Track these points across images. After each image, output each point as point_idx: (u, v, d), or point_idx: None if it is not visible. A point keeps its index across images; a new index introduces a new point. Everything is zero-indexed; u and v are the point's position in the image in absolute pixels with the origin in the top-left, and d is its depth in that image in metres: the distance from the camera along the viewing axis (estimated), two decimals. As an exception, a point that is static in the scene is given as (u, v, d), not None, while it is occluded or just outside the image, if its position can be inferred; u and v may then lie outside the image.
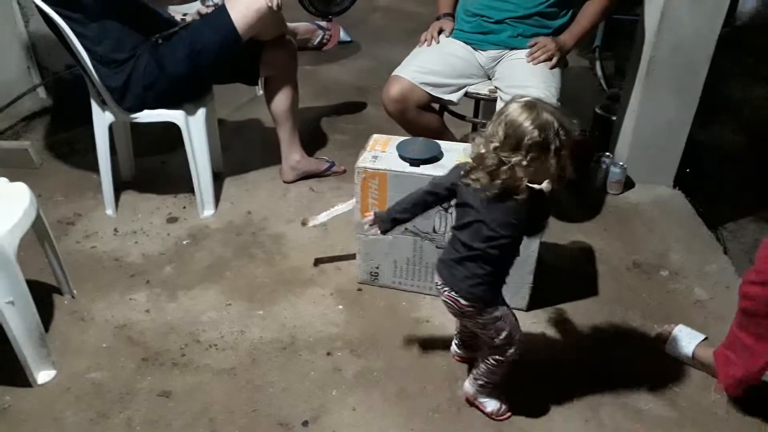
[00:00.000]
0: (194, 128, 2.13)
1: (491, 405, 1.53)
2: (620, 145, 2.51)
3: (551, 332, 1.80)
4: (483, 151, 1.26)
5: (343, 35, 3.70)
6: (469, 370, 1.58)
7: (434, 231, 1.81)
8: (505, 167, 1.23)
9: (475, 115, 2.48)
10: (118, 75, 1.96)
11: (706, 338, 1.70)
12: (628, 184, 2.45)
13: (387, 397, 1.59)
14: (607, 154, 2.47)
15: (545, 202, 1.31)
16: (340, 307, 1.88)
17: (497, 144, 1.23)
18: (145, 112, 2.06)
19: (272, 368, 1.67)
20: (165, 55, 1.97)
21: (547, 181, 1.27)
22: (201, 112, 2.13)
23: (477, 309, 1.38)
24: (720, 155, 2.78)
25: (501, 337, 1.40)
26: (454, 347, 1.69)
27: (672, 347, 1.71)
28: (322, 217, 2.02)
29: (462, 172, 1.34)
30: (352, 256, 1.97)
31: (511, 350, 1.43)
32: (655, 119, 2.36)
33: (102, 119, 2.11)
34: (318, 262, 2.04)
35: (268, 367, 1.67)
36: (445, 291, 1.40)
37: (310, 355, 1.71)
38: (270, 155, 2.54)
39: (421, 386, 1.62)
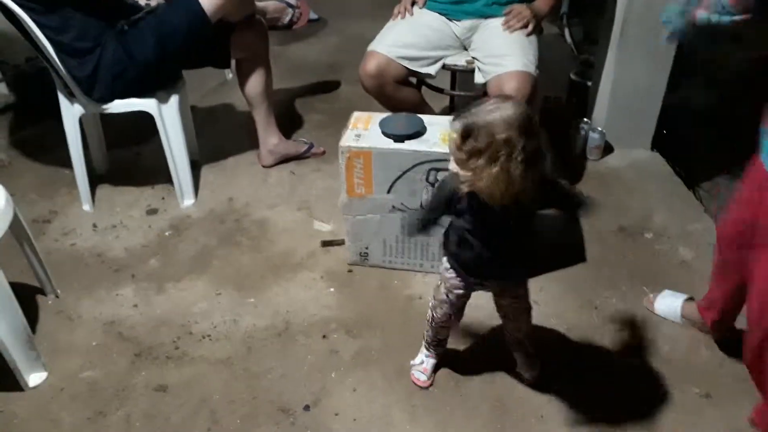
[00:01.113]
0: (168, 116, 2.07)
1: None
2: (597, 111, 2.52)
3: (544, 300, 1.81)
4: None
5: (311, 12, 3.63)
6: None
7: (422, 207, 1.80)
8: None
9: (452, 88, 2.46)
10: (84, 65, 1.89)
11: (690, 297, 1.74)
12: (607, 149, 2.47)
13: (386, 376, 1.59)
14: (585, 120, 2.48)
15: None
16: (332, 289, 1.87)
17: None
18: (116, 102, 1.99)
19: (268, 355, 1.65)
20: (132, 42, 1.91)
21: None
22: (174, 99, 2.07)
23: None
24: (694, 115, 2.81)
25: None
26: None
27: (660, 308, 1.75)
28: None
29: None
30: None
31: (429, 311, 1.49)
32: (630, 83, 2.37)
33: (71, 112, 2.03)
34: (325, 244, 2.01)
35: (264, 354, 1.66)
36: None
37: (305, 340, 1.70)
38: (246, 140, 2.49)
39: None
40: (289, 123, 2.69)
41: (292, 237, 2.07)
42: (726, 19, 1.22)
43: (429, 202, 1.37)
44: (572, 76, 2.73)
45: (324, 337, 1.71)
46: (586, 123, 2.46)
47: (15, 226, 1.63)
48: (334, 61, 3.29)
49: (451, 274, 1.39)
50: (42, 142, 2.58)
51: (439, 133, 1.76)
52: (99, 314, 1.78)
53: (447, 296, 1.43)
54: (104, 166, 2.40)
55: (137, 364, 1.63)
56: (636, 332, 1.72)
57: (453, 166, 1.21)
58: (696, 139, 2.70)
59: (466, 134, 1.13)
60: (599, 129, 2.42)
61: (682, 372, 1.60)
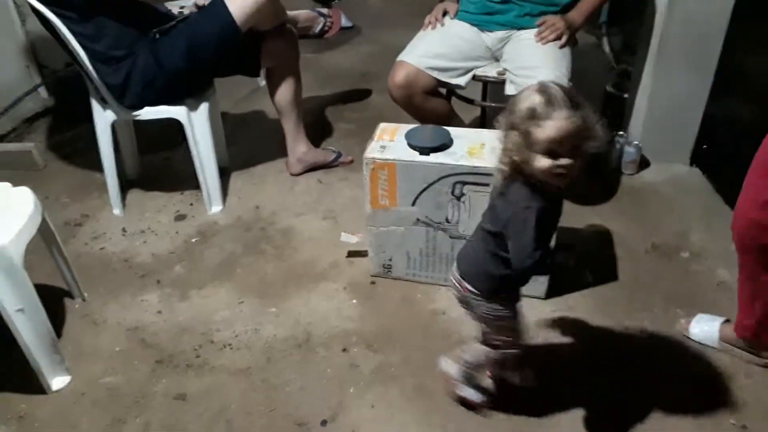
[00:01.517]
0: (197, 124, 2.08)
1: (466, 392, 1.48)
2: (634, 124, 2.45)
3: (571, 320, 1.75)
4: None
5: (343, 21, 3.62)
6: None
7: (447, 221, 1.76)
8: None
9: (484, 99, 2.42)
10: (117, 72, 1.92)
11: (728, 320, 1.65)
12: (643, 163, 2.39)
13: (405, 393, 1.56)
14: (621, 133, 2.41)
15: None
16: (354, 301, 1.85)
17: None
18: (147, 109, 2.02)
19: (288, 366, 1.64)
20: (163, 51, 1.93)
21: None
22: (203, 107, 2.09)
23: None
24: (737, 129, 2.70)
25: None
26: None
27: (696, 332, 1.67)
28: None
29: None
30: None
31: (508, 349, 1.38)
32: (668, 95, 2.30)
33: (103, 118, 2.07)
34: (351, 255, 1.99)
35: (283, 365, 1.64)
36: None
37: (326, 352, 1.68)
38: (276, 147, 2.50)
39: (440, 380, 1.58)
40: (318, 131, 2.69)
41: (316, 246, 2.06)
42: None
43: (534, 238, 1.17)
44: (608, 88, 2.66)
45: (344, 350, 1.68)
46: (622, 136, 2.39)
47: (44, 229, 1.66)
48: (367, 70, 3.29)
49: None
50: (77, 146, 2.64)
51: (466, 146, 1.73)
52: (123, 319, 1.80)
53: None
54: (136, 171, 2.44)
55: (158, 371, 1.64)
56: (669, 356, 1.64)
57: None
58: (739, 153, 2.59)
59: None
60: (635, 143, 2.34)
61: (718, 401, 1.52)
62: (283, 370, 1.63)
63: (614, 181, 2.35)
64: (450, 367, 1.49)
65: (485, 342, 1.41)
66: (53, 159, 2.59)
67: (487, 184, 1.67)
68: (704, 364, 1.61)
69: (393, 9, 4.04)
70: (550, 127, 1.08)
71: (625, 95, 2.54)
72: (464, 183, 1.69)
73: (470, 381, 1.49)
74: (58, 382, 1.60)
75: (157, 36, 1.94)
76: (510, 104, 1.15)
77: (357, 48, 3.58)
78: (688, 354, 1.64)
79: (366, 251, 1.92)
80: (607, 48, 3.34)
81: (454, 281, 1.36)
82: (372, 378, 1.60)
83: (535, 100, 1.09)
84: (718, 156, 2.45)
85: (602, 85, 2.71)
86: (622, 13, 3.36)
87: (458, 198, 1.72)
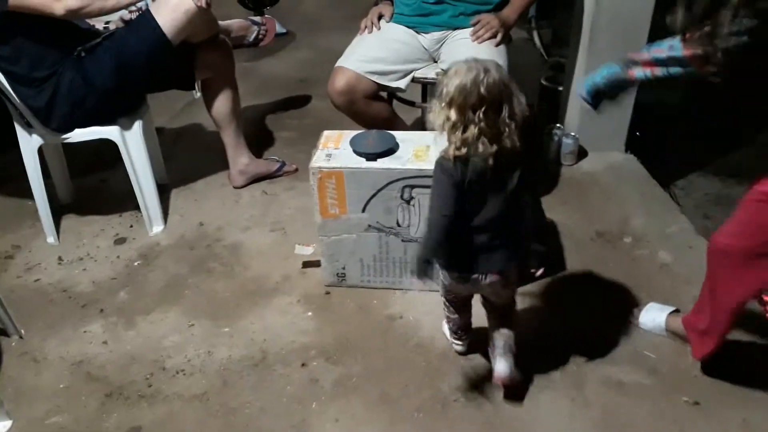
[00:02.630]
0: (132, 143, 2.00)
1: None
2: (570, 115, 2.51)
3: (524, 312, 1.77)
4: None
5: (277, 27, 3.57)
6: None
7: (398, 225, 1.75)
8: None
9: (424, 100, 2.43)
10: (40, 94, 1.82)
11: (677, 309, 1.71)
12: (581, 153, 2.46)
13: (369, 403, 1.54)
14: (558, 125, 2.46)
15: None
16: (310, 313, 1.81)
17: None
18: (77, 131, 1.93)
19: (246, 388, 1.59)
20: (91, 69, 1.84)
21: None
22: (137, 125, 2.01)
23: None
24: (667, 115, 2.81)
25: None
26: (458, 345, 1.62)
27: (645, 321, 1.71)
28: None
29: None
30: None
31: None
32: (601, 86, 2.36)
33: (29, 142, 1.96)
34: (306, 265, 1.95)
35: (241, 387, 1.59)
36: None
37: (284, 369, 1.64)
38: (216, 161, 2.43)
39: (403, 386, 1.58)
40: (259, 141, 2.63)
41: (266, 260, 2.02)
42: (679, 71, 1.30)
43: (435, 201, 1.29)
44: (543, 82, 2.71)
45: (303, 365, 1.65)
46: (559, 128, 2.44)
47: (-28, 267, 1.56)
48: (304, 76, 3.25)
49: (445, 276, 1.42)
50: (5, 173, 2.49)
51: (411, 149, 1.73)
52: (66, 353, 1.71)
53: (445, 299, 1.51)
54: (69, 195, 2.32)
55: (108, 405, 1.56)
56: (622, 340, 1.69)
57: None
58: (669, 138, 2.70)
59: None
60: (572, 134, 2.40)
61: (670, 381, 1.57)
62: (241, 392, 1.58)
63: (554, 172, 2.40)
64: (507, 369, 1.48)
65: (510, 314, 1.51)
66: (-24, 189, 2.44)
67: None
68: (653, 347, 1.66)
69: (326, 13, 4.01)
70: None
71: (560, 88, 2.60)
72: (413, 186, 1.69)
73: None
74: (-1, 428, 1.50)
75: (83, 54, 1.85)
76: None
77: (293, 54, 3.54)
78: (641, 337, 1.69)
79: (319, 261, 1.89)
80: (537, 41, 3.41)
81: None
82: (334, 391, 1.57)
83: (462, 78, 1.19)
84: (651, 142, 2.55)
85: (537, 79, 2.77)
86: (550, 6, 3.45)
87: (408, 201, 1.72)
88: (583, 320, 1.76)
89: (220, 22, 2.21)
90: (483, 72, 1.19)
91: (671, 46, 1.29)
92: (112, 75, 1.85)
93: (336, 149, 1.75)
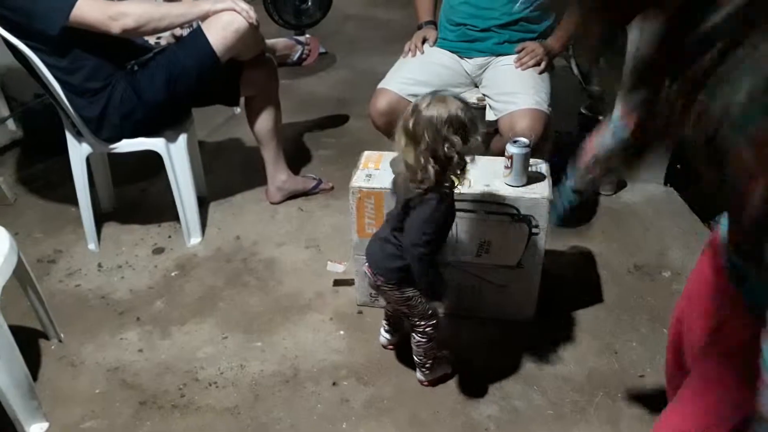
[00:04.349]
0: (176, 155, 2.05)
1: (442, 371, 1.64)
2: (609, 145, 2.48)
3: (562, 344, 1.75)
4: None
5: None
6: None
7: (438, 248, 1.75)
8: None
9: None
10: (93, 105, 1.88)
11: None
12: (620, 183, 2.43)
13: (399, 426, 1.53)
14: (598, 155, 2.44)
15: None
16: (341, 332, 1.82)
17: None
18: (125, 141, 1.97)
19: (277, 403, 1.60)
20: (142, 82, 1.89)
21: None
22: (182, 138, 2.05)
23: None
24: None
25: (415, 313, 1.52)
26: (383, 337, 1.73)
27: None
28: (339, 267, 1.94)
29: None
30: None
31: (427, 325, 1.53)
32: (643, 117, 2.34)
33: (78, 151, 2.01)
34: (337, 283, 1.96)
35: (272, 402, 1.60)
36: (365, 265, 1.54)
37: (315, 387, 1.64)
38: (254, 176, 2.46)
39: (434, 411, 1.57)
40: (297, 158, 2.66)
41: (300, 277, 2.03)
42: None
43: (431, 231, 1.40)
44: (582, 110, 2.70)
45: (334, 384, 1.65)
46: (599, 158, 2.42)
47: (19, 269, 1.59)
48: (343, 96, 3.29)
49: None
50: (48, 179, 2.57)
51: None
52: (102, 359, 1.73)
53: None
54: (111, 203, 2.38)
55: (141, 413, 1.58)
56: (657, 378, 1.65)
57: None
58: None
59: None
60: (612, 164, 2.38)
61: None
62: (272, 408, 1.58)
63: (593, 202, 2.38)
64: (420, 376, 1.62)
65: (412, 330, 1.57)
66: (24, 193, 2.52)
67: (474, 211, 1.68)
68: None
69: (366, 35, 4.07)
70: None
71: (600, 117, 2.59)
72: (450, 210, 1.69)
73: (439, 368, 1.63)
74: (35, 429, 1.53)
75: (135, 68, 1.90)
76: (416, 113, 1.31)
77: (332, 74, 3.59)
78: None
79: (352, 279, 1.90)
80: (575, 70, 3.40)
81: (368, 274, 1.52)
82: (364, 412, 1.57)
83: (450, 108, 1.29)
84: (691, 176, 2.51)
85: (577, 107, 2.76)
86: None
87: (445, 224, 1.71)
88: (618, 353, 1.72)
89: (266, 41, 2.25)
90: (425, 106, 1.31)
91: (613, 130, 1.08)
92: (162, 89, 1.90)
93: (376, 169, 1.77)
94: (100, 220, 2.28)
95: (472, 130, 1.32)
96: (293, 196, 2.41)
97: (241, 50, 2.00)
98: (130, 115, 1.91)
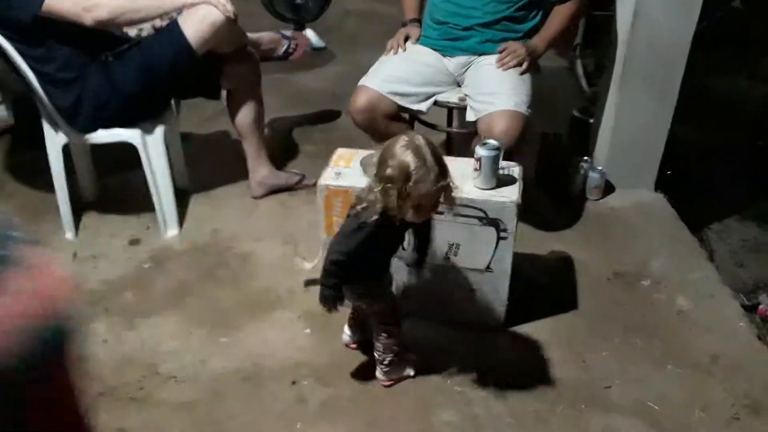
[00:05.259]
0: (152, 147, 2.04)
1: (403, 372, 1.62)
2: (599, 149, 2.44)
3: (530, 351, 1.72)
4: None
5: (315, 41, 3.61)
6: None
7: (403, 248, 1.72)
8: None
9: (449, 124, 2.40)
10: (67, 95, 1.88)
11: None
12: (608, 189, 2.38)
13: (354, 428, 1.51)
14: (585, 158, 2.40)
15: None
16: (308, 330, 1.80)
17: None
18: (100, 132, 1.97)
19: (234, 401, 1.58)
20: (116, 73, 1.89)
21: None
22: (159, 130, 2.04)
23: None
24: (702, 154, 2.71)
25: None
26: (345, 335, 1.71)
27: None
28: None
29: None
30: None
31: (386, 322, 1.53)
32: (633, 121, 2.29)
33: (54, 140, 2.01)
34: (309, 283, 1.92)
35: (230, 400, 1.58)
36: None
37: (274, 386, 1.62)
38: (239, 169, 2.44)
39: (392, 415, 1.54)
40: (283, 153, 2.65)
41: (274, 273, 2.01)
42: None
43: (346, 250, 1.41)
44: (574, 113, 2.65)
45: (293, 383, 1.63)
46: (586, 161, 2.38)
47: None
48: (338, 91, 3.25)
49: None
50: (36, 167, 2.57)
51: (422, 172, 1.69)
52: (66, 350, 1.73)
53: None
54: (93, 192, 2.37)
55: (98, 404, 1.56)
56: (626, 390, 1.61)
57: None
58: (702, 179, 2.60)
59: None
60: (599, 168, 2.33)
61: (674, 436, 1.49)
62: (229, 405, 1.57)
63: (578, 206, 2.33)
64: (381, 375, 1.60)
65: (374, 329, 1.56)
66: (10, 180, 2.52)
67: (441, 212, 1.65)
68: (661, 398, 1.58)
69: (367, 29, 4.03)
70: (423, 189, 1.26)
71: (591, 120, 2.54)
72: (419, 211, 1.66)
73: (401, 367, 1.61)
74: (-9, 417, 1.52)
75: (110, 59, 1.89)
76: (383, 154, 1.29)
77: (329, 69, 3.56)
78: (647, 386, 1.61)
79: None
80: (580, 70, 3.34)
81: None
82: (320, 413, 1.55)
83: (409, 160, 1.25)
84: (682, 182, 2.46)
85: (570, 110, 2.71)
86: (596, 34, 3.36)
87: (413, 226, 1.68)
88: (589, 363, 1.68)
89: (250, 35, 2.24)
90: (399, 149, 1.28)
91: None
92: (136, 80, 1.89)
93: (347, 167, 1.74)
94: (81, 209, 2.28)
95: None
96: (276, 191, 2.40)
97: (219, 44, 1.99)
98: (105, 105, 1.90)
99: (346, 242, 1.39)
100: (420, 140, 1.29)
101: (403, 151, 1.26)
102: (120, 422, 1.52)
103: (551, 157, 2.44)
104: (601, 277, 1.99)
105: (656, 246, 2.13)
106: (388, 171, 1.26)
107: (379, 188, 1.29)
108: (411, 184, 1.25)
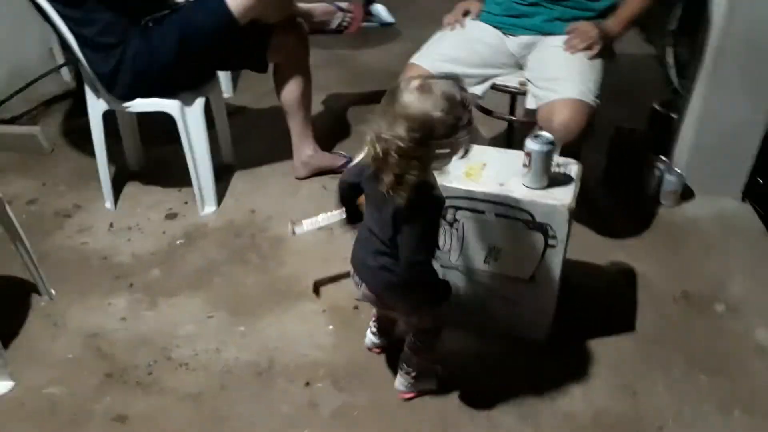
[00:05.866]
0: (191, 120, 1.96)
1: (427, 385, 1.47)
2: (680, 149, 2.15)
3: (573, 374, 1.52)
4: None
5: (385, 16, 3.44)
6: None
7: (438, 248, 1.56)
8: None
9: (511, 112, 2.19)
10: (106, 61, 1.82)
11: None
12: (686, 194, 2.10)
13: (365, 442, 1.38)
14: (663, 158, 2.12)
15: None
16: (331, 327, 1.67)
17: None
18: (138, 101, 1.91)
19: (242, 397, 1.49)
20: (155, 40, 1.81)
21: None
22: (198, 102, 1.96)
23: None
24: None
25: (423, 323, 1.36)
26: (369, 338, 1.57)
27: None
28: (308, 225, 1.80)
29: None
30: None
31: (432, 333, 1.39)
32: (722, 119, 2.00)
33: (96, 106, 1.97)
34: (318, 286, 1.80)
35: (238, 395, 1.49)
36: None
37: (286, 385, 1.51)
38: (287, 148, 2.34)
39: (405, 431, 1.40)
40: (334, 133, 2.52)
41: (304, 260, 1.90)
42: None
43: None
44: (655, 106, 2.36)
45: (307, 384, 1.51)
46: (664, 162, 2.11)
47: (7, 225, 1.58)
48: (400, 70, 3.09)
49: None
50: (89, 133, 2.57)
51: (464, 165, 1.52)
52: (85, 323, 1.69)
53: None
54: (138, 162, 2.34)
55: (105, 386, 1.52)
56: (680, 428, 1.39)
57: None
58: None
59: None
60: (677, 171, 2.06)
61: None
62: (236, 401, 1.48)
63: (649, 212, 2.07)
64: (399, 383, 1.46)
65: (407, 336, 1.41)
66: (63, 144, 2.54)
67: (482, 212, 1.47)
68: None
69: (441, 6, 3.81)
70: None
71: (674, 116, 2.25)
72: (457, 208, 1.49)
73: (419, 380, 1.46)
74: (0, 387, 1.50)
75: (150, 24, 1.82)
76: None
77: (395, 46, 3.38)
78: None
79: (346, 272, 1.74)
80: (671, 60, 3.00)
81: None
82: (331, 421, 1.43)
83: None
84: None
85: (651, 103, 2.42)
86: (695, 22, 3.01)
87: (450, 224, 1.52)
88: (640, 396, 1.47)
89: (303, 5, 2.12)
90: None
91: None
92: (175, 48, 1.80)
93: (383, 155, 1.58)
94: (125, 178, 2.26)
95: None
96: (320, 172, 2.28)
97: (264, 13, 1.87)
98: (143, 73, 1.83)
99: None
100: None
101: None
102: (122, 408, 1.47)
103: (623, 155, 2.18)
104: (667, 297, 1.75)
105: (737, 265, 1.85)
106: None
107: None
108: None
